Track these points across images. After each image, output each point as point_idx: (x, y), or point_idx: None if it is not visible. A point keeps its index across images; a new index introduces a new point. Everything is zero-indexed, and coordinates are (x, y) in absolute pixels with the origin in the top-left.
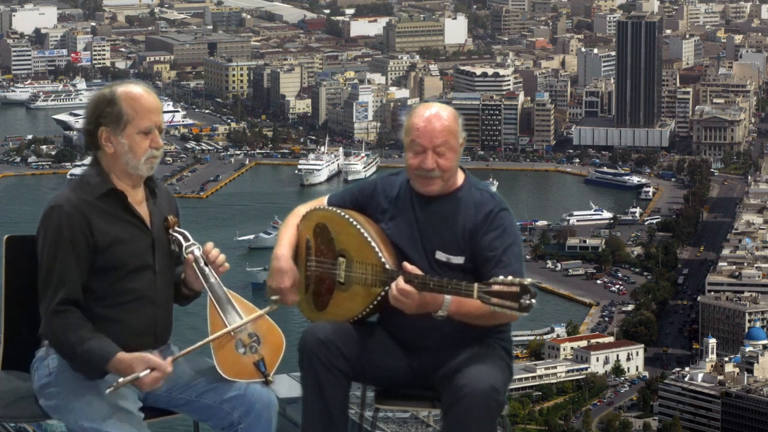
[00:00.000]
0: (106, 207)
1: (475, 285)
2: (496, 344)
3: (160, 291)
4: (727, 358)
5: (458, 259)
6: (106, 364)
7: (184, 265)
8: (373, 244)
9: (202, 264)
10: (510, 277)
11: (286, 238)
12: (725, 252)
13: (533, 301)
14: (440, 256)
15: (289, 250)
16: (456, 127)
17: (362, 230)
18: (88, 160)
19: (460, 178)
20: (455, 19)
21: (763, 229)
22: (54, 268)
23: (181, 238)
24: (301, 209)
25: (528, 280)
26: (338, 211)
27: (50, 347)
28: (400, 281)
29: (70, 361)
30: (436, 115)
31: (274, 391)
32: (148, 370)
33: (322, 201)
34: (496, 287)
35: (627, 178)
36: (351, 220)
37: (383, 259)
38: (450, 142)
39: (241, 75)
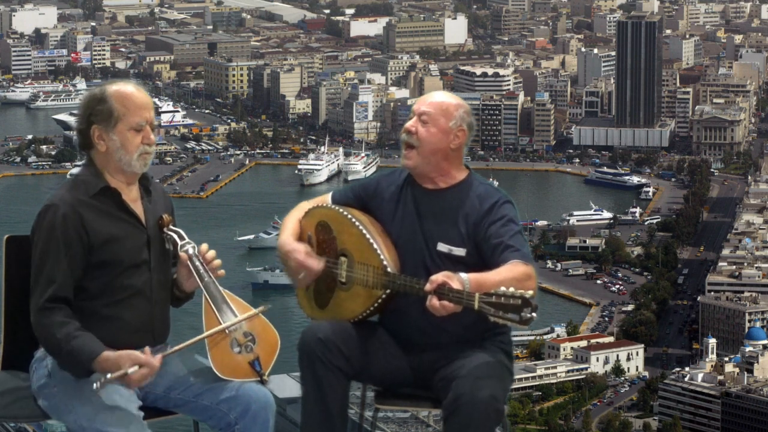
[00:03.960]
0: (101, 205)
1: (476, 295)
2: (496, 347)
3: (156, 288)
4: (727, 358)
5: (460, 251)
6: (92, 362)
7: (178, 264)
8: (375, 245)
9: (197, 262)
10: (512, 289)
11: (288, 228)
12: (725, 252)
13: (534, 314)
14: (442, 247)
15: (292, 235)
16: (452, 111)
17: (364, 231)
18: (83, 160)
19: (465, 173)
20: (455, 19)
21: (763, 229)
22: (44, 266)
23: (176, 236)
24: (305, 205)
25: (530, 293)
26: (341, 210)
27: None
28: (435, 301)
29: (56, 358)
30: (438, 93)
31: (272, 391)
32: (136, 367)
33: (326, 198)
34: (496, 299)
35: (627, 178)
36: (353, 220)
37: (385, 262)
38: (437, 116)
39: (241, 75)
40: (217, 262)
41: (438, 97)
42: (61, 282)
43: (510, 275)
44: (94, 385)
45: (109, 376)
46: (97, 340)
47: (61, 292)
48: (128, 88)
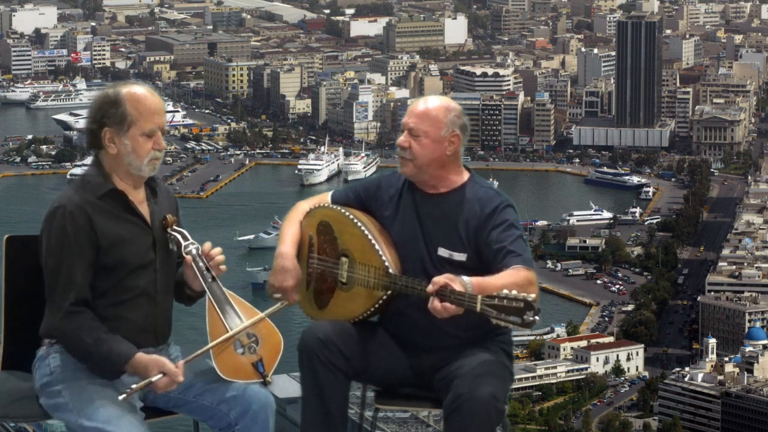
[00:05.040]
0: (108, 207)
1: (479, 297)
2: (497, 347)
3: (160, 289)
4: (727, 358)
5: (460, 256)
6: (125, 365)
7: (184, 265)
8: (376, 246)
9: (200, 263)
10: (514, 292)
11: (289, 235)
12: (725, 252)
13: (536, 318)
14: (442, 252)
15: (293, 248)
16: (442, 118)
17: (366, 231)
18: (89, 159)
19: (465, 175)
20: (455, 19)
21: (763, 229)
22: (62, 270)
23: (179, 237)
24: (303, 205)
25: (532, 296)
26: (342, 210)
27: (52, 347)
28: (437, 302)
29: (85, 362)
30: (425, 100)
31: (272, 391)
32: (161, 375)
33: (325, 197)
34: (499, 301)
35: (627, 178)
36: (355, 220)
37: (386, 263)
38: (426, 128)
39: (241, 75)
40: (221, 258)
41: (425, 106)
42: (80, 285)
43: (512, 280)
44: (120, 396)
45: (134, 386)
46: (128, 343)
47: (83, 295)
48: (142, 92)
